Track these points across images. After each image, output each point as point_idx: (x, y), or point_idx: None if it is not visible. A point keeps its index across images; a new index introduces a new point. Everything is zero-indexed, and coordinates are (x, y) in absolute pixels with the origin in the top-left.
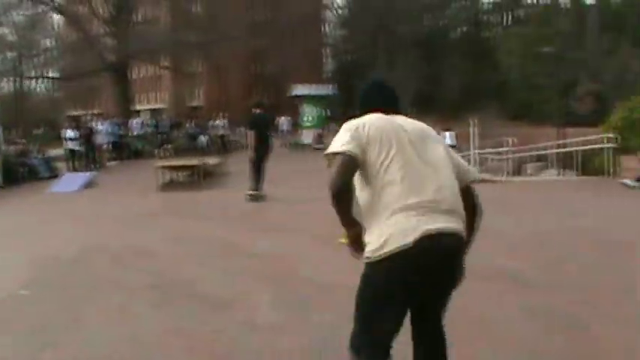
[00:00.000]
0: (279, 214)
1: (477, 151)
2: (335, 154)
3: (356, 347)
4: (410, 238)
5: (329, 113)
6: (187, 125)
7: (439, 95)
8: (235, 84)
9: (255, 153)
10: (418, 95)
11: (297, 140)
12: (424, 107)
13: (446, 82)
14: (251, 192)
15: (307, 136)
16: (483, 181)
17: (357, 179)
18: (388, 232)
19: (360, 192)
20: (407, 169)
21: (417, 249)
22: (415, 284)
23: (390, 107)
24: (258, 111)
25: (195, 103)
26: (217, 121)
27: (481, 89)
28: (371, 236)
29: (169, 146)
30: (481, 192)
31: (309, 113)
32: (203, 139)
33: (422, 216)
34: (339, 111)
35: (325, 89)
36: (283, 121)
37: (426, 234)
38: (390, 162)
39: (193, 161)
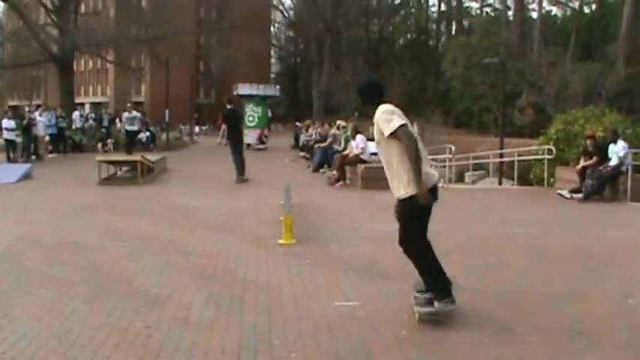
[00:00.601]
0: (219, 214)
1: None
2: (400, 127)
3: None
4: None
5: (272, 114)
6: (126, 118)
7: (384, 101)
8: (180, 81)
9: (231, 145)
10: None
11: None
12: (367, 113)
13: (391, 89)
14: (238, 177)
15: (250, 136)
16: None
17: (394, 146)
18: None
19: (399, 155)
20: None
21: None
22: None
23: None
24: (230, 106)
25: (139, 99)
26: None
27: (426, 97)
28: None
29: (110, 141)
30: None
31: (252, 113)
32: (144, 134)
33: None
34: (283, 112)
35: (270, 90)
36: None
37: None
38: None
39: (134, 157)
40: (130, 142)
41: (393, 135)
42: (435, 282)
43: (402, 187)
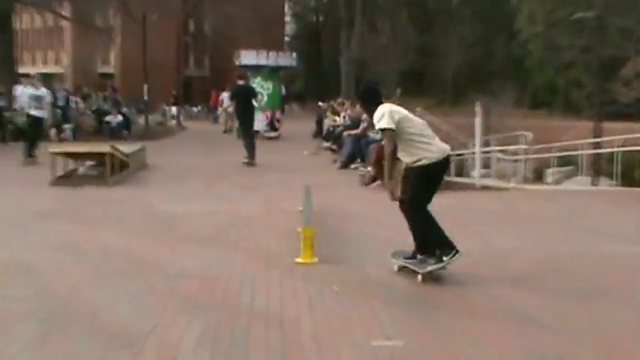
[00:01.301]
0: (216, 224)
1: (481, 148)
2: (384, 130)
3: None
4: None
5: (286, 91)
6: (95, 99)
7: (435, 73)
8: (163, 46)
9: (240, 124)
10: (408, 72)
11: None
12: (414, 88)
13: (445, 56)
14: (245, 159)
15: (258, 121)
16: (486, 188)
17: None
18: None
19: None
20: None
21: None
22: None
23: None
24: (241, 82)
25: (106, 69)
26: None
27: (492, 67)
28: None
29: (69, 126)
30: (484, 202)
31: (260, 90)
32: (115, 119)
33: None
34: (301, 88)
35: (284, 58)
36: (225, 99)
37: None
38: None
39: (102, 147)
40: (35, 131)
41: (382, 131)
42: (433, 243)
43: (407, 157)
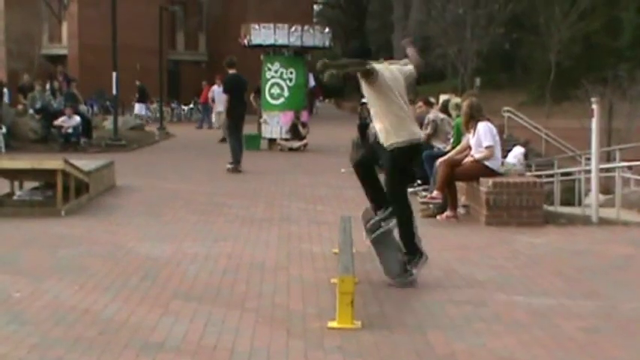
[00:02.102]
0: (215, 272)
1: (600, 165)
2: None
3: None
4: None
5: (315, 82)
6: (39, 92)
7: (531, 55)
8: (138, 19)
9: (230, 119)
10: (492, 54)
11: (250, 133)
12: (500, 77)
13: (547, 32)
14: (230, 165)
15: (274, 124)
16: (607, 223)
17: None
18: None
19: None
20: None
21: None
22: None
23: None
24: (232, 71)
25: (56, 50)
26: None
27: (617, 44)
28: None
29: (1, 131)
30: (605, 244)
31: (278, 80)
32: (70, 120)
33: None
34: (338, 77)
35: (313, 36)
36: (217, 96)
37: None
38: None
39: (50, 163)
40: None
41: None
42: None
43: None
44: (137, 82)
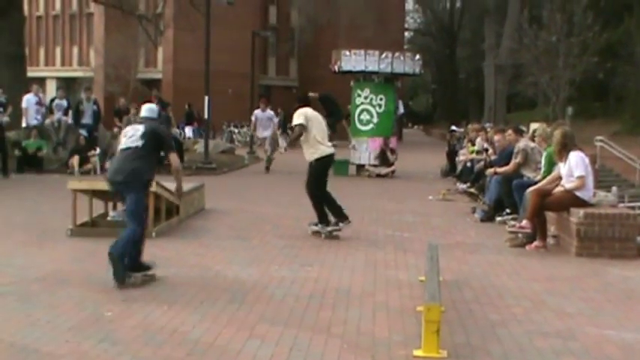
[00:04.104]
0: (300, 296)
1: None
2: (295, 125)
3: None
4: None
5: (402, 108)
6: (134, 114)
7: (626, 84)
8: (232, 42)
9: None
10: (585, 83)
11: (339, 159)
12: (594, 106)
13: None
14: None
15: (363, 150)
16: None
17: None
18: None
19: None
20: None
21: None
22: None
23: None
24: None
25: (152, 74)
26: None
27: None
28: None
29: (96, 152)
30: None
31: (368, 107)
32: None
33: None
34: (426, 106)
35: (403, 63)
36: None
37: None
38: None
39: None
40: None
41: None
42: (333, 212)
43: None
44: (186, 106)
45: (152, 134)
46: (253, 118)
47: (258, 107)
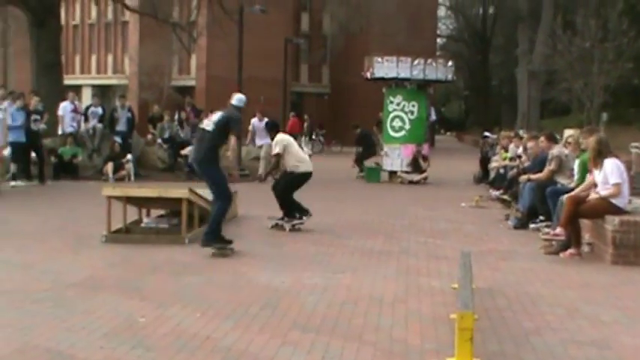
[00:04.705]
0: (332, 303)
1: None
2: (274, 155)
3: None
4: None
5: (434, 115)
6: (167, 121)
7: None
8: (264, 50)
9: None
10: (620, 89)
11: (371, 165)
12: (629, 112)
13: None
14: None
15: (394, 156)
16: None
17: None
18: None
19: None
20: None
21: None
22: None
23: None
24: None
25: (185, 81)
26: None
27: None
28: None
29: (129, 158)
30: None
31: (400, 113)
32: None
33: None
34: (458, 112)
35: (435, 69)
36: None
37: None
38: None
39: (176, 191)
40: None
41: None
42: (294, 210)
43: (294, 166)
44: (188, 104)
45: (223, 119)
46: (251, 128)
47: (254, 116)
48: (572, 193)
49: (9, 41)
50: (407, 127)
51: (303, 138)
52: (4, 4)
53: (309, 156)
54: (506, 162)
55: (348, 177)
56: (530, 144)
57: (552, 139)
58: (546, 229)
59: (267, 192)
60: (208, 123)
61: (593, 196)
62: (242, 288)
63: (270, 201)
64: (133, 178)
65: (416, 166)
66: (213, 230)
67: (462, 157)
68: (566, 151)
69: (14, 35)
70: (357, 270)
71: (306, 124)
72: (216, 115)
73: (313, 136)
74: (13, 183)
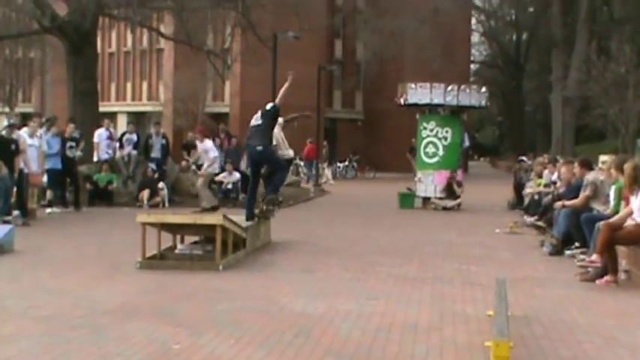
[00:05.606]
0: (366, 330)
1: None
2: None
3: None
4: None
5: (468, 141)
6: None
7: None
8: (298, 76)
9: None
10: None
11: (405, 191)
12: None
13: None
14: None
15: (427, 182)
16: None
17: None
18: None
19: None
20: None
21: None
22: None
23: None
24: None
25: (219, 108)
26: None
27: None
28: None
29: (162, 186)
30: None
31: (434, 139)
32: (231, 177)
33: None
34: (492, 138)
35: (469, 95)
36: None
37: None
38: None
39: (210, 218)
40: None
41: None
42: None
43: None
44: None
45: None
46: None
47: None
48: (609, 221)
49: (47, 69)
50: (440, 153)
51: (325, 164)
52: (42, 32)
53: (330, 184)
54: (541, 188)
55: (382, 203)
56: (563, 169)
57: (587, 166)
58: (582, 256)
59: (299, 218)
60: (257, 117)
61: (629, 222)
62: (276, 315)
63: (303, 226)
64: (167, 204)
65: (450, 191)
66: (277, 188)
67: (495, 183)
68: (602, 177)
69: (52, 63)
70: (391, 296)
71: (324, 150)
72: (261, 110)
73: (347, 162)
74: (49, 210)
